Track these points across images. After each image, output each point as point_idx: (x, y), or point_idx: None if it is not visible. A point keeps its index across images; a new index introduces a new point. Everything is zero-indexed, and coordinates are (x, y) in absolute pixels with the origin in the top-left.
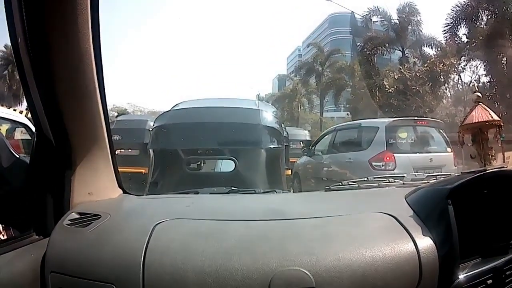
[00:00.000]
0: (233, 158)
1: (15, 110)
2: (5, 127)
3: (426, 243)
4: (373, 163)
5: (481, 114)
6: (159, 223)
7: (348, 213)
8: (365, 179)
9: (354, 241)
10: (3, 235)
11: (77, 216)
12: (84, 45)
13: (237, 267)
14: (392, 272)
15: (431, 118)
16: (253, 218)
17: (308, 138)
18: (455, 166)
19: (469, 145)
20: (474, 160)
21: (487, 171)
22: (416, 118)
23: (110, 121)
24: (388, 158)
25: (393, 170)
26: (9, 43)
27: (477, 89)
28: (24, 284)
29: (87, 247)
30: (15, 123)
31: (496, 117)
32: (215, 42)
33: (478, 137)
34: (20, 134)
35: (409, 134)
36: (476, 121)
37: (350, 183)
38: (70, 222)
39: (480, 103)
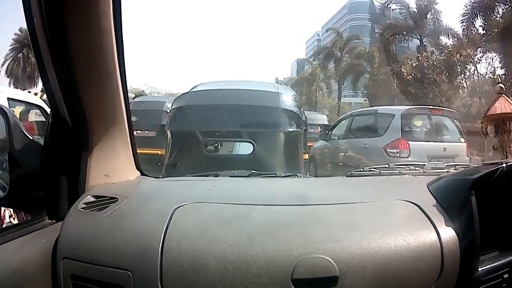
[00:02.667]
0: (252, 140)
1: (29, 92)
2: (19, 109)
3: (448, 233)
4: (388, 150)
5: (504, 105)
6: (178, 207)
7: (372, 200)
8: (386, 165)
9: (378, 229)
10: (14, 219)
11: (93, 199)
12: (104, 22)
13: (260, 254)
14: (415, 262)
15: (446, 107)
16: (276, 203)
17: (326, 122)
18: (467, 156)
19: (491, 136)
20: (496, 151)
21: (509, 163)
22: (431, 107)
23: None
24: (402, 146)
25: (407, 157)
26: (24, 26)
27: (500, 80)
28: (34, 270)
29: (102, 232)
30: (30, 105)
31: None
32: (234, 24)
33: (500, 128)
34: (34, 116)
35: (424, 122)
36: (499, 112)
37: (371, 169)
38: (85, 206)
39: (503, 95)
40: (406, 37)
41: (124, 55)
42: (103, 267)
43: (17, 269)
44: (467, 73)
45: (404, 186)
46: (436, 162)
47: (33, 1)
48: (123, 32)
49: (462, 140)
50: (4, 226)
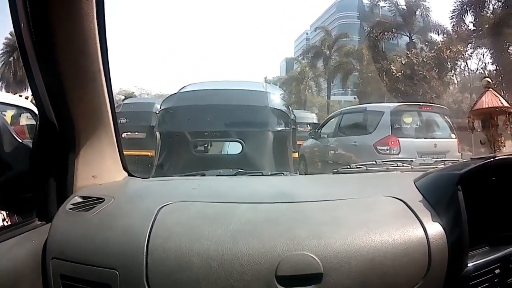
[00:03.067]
0: (240, 140)
1: (20, 96)
2: (10, 113)
3: (435, 229)
4: (378, 147)
5: (491, 99)
6: (163, 206)
7: (358, 197)
8: (373, 162)
9: (363, 225)
10: (6, 222)
11: (80, 200)
12: (88, 25)
13: (244, 251)
14: (401, 258)
15: (437, 104)
16: (261, 201)
17: (315, 121)
18: (459, 152)
19: (478, 130)
20: (483, 146)
21: (497, 158)
22: (421, 103)
23: (116, 104)
24: (392, 143)
25: (398, 154)
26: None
27: (486, 75)
28: (25, 271)
29: (89, 232)
30: (21, 109)
31: (506, 104)
32: (223, 24)
33: (488, 123)
34: (25, 120)
35: (414, 119)
36: (486, 106)
37: (358, 166)
38: (72, 206)
39: (490, 89)
40: (395, 34)
41: (109, 58)
42: (91, 266)
43: (8, 269)
44: (458, 69)
45: (391, 183)
46: (424, 158)
47: (20, 5)
48: (107, 36)
49: (453, 136)
50: None
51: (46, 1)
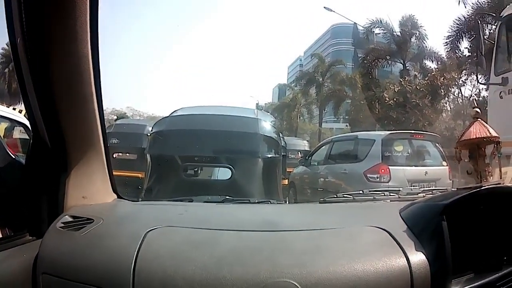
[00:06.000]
0: (230, 166)
1: (14, 109)
2: (3, 125)
3: (418, 258)
4: (368, 175)
5: (479, 130)
6: (151, 230)
7: (341, 226)
8: (360, 192)
9: (346, 254)
10: None
11: (70, 219)
12: (81, 48)
13: (228, 277)
14: (384, 287)
15: (428, 132)
16: (246, 229)
17: (307, 148)
18: (450, 179)
19: (466, 160)
20: (470, 176)
21: (483, 187)
22: (412, 131)
23: (108, 125)
24: (383, 171)
25: (388, 182)
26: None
27: (476, 105)
28: (15, 284)
29: (78, 251)
30: (14, 122)
31: (494, 134)
32: (216, 49)
33: (475, 153)
34: (18, 133)
35: (405, 147)
36: (474, 137)
37: (345, 195)
38: (63, 225)
39: (479, 119)
40: (389, 62)
41: (101, 80)
42: (79, 283)
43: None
44: (451, 96)
45: (376, 212)
46: (412, 187)
47: (16, 20)
48: (99, 57)
49: (444, 163)
50: None
51: (42, 21)
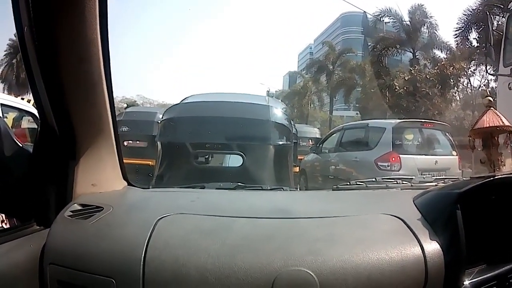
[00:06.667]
0: (241, 153)
1: (22, 98)
2: (12, 115)
3: (432, 247)
4: (379, 163)
5: (492, 119)
6: (162, 217)
7: (355, 214)
8: (373, 179)
9: (360, 243)
10: (5, 224)
11: (79, 208)
12: (90, 34)
13: (240, 265)
14: (398, 275)
15: (438, 121)
16: (259, 216)
17: (318, 136)
18: (459, 169)
19: (479, 149)
20: (483, 165)
21: (496, 177)
22: (423, 120)
23: (118, 113)
24: (393, 159)
25: (398, 171)
26: None
27: (488, 93)
28: (22, 275)
29: (87, 240)
30: (23, 112)
31: (507, 123)
32: (227, 36)
33: (488, 142)
34: (27, 123)
35: (415, 136)
36: (487, 125)
37: (358, 183)
38: (71, 214)
39: (491, 108)
40: (399, 50)
41: (111, 66)
42: (88, 273)
43: (5, 272)
44: (460, 86)
45: (390, 200)
46: (424, 176)
47: (23, 9)
48: (109, 44)
49: (454, 153)
50: None
51: (49, 8)
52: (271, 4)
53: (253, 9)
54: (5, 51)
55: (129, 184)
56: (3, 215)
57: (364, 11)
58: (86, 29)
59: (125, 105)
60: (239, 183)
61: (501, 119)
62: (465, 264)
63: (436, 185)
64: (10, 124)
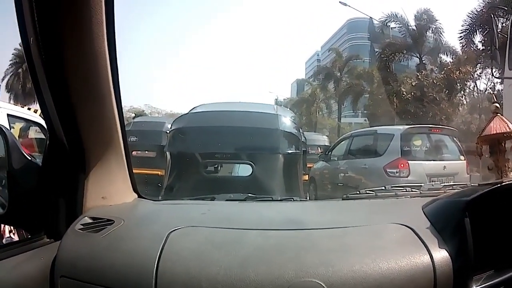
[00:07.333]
0: (251, 162)
1: (29, 109)
2: (18, 126)
3: (441, 255)
4: (388, 170)
5: (499, 125)
6: (173, 230)
7: (366, 224)
8: (382, 188)
9: (371, 252)
10: (14, 234)
11: (90, 221)
12: (98, 46)
13: (252, 277)
14: (408, 284)
15: (446, 126)
16: (270, 228)
17: (326, 143)
18: (467, 174)
19: (487, 156)
20: (491, 172)
21: (504, 183)
22: (430, 126)
23: (126, 123)
24: (402, 165)
25: (407, 177)
26: None
27: (495, 99)
28: (34, 287)
29: (98, 253)
30: (29, 122)
31: None
32: (234, 45)
33: (495, 148)
34: (34, 133)
35: (424, 141)
36: (494, 132)
37: (367, 191)
38: (82, 227)
39: (498, 114)
40: (406, 56)
41: (119, 78)
42: (100, 286)
43: (18, 284)
44: (467, 90)
45: (399, 209)
46: (433, 183)
47: (28, 20)
48: (117, 54)
49: (462, 158)
50: (4, 242)
51: (55, 18)
52: (278, 12)
53: (261, 18)
54: (10, 60)
55: (139, 196)
56: (12, 227)
57: (370, 17)
58: (93, 40)
59: (133, 115)
60: (249, 194)
61: (508, 126)
62: (473, 271)
63: (444, 192)
64: (17, 135)
